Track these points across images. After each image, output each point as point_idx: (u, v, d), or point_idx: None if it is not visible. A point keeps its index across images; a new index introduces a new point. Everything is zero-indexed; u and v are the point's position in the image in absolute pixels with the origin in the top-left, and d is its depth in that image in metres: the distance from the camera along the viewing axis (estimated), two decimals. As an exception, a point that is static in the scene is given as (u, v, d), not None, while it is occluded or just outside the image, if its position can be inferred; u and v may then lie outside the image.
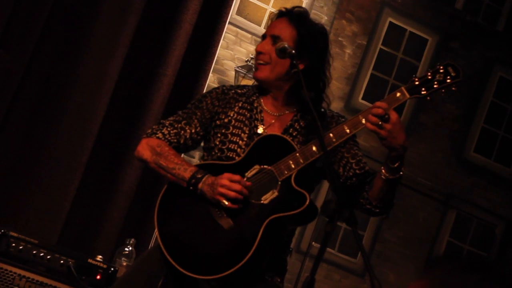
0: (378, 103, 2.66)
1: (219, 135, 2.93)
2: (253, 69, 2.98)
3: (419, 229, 11.44)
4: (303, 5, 10.41)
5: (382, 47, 11.32)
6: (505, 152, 11.82)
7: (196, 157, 8.67)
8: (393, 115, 2.62)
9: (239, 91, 3.03)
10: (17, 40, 4.31)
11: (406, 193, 11.00)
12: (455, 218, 11.65)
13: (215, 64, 4.94)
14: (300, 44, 2.88)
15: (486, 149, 11.75)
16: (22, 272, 3.28)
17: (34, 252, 3.35)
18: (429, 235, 11.49)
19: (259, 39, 3.16)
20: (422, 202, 11.46)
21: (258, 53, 2.94)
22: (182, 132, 2.96)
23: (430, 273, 1.26)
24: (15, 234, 3.34)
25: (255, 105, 2.96)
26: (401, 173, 2.73)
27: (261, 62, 2.93)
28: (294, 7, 2.98)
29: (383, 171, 2.72)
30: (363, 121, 2.72)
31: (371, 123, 2.62)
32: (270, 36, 2.94)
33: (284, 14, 2.97)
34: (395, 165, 2.69)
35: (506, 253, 11.64)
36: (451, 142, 11.60)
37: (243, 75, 8.68)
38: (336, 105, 10.47)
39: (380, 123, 2.60)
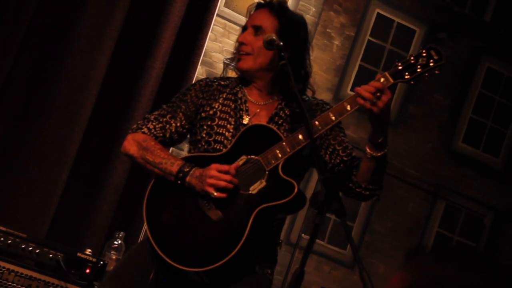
0: (371, 83, 2.69)
1: (205, 127, 2.92)
2: (235, 60, 3.00)
3: (408, 220, 11.49)
4: (291, -3, 10.39)
5: (370, 38, 11.34)
6: (493, 143, 11.87)
7: (185, 149, 8.67)
8: (388, 93, 2.65)
9: (223, 82, 3.04)
10: (3, 33, 4.29)
11: (395, 184, 11.04)
12: (444, 209, 11.70)
13: (203, 56, 4.93)
14: (282, 34, 2.88)
15: (474, 140, 11.80)
16: (11, 267, 3.27)
17: (23, 246, 3.34)
18: (418, 225, 11.53)
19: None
20: (411, 193, 11.50)
21: (240, 43, 2.95)
22: (168, 126, 2.96)
23: (408, 265, 1.26)
24: (3, 228, 3.33)
25: (239, 95, 2.97)
26: (385, 150, 2.76)
27: (244, 52, 2.94)
28: (272, 2, 2.99)
29: (368, 150, 2.75)
30: (348, 107, 2.74)
31: (364, 99, 2.64)
32: (251, 26, 2.95)
33: (264, 5, 2.98)
34: (379, 140, 2.72)
35: (495, 244, 11.70)
36: (439, 132, 11.64)
37: (232, 67, 8.67)
38: (325, 96, 10.47)
39: (374, 100, 2.63)
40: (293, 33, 2.91)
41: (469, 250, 1.27)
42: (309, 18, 10.58)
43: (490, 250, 11.54)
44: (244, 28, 2.99)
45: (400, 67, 2.73)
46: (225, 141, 2.87)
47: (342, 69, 11.12)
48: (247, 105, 2.95)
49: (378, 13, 11.30)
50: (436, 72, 2.73)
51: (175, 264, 2.69)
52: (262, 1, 3.00)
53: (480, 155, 11.78)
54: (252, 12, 3.00)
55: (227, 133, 2.89)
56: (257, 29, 2.92)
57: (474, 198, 11.71)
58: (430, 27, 11.48)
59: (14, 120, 4.38)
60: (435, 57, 2.72)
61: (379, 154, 2.75)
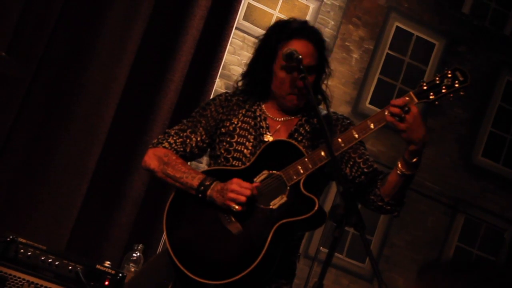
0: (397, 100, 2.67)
1: (224, 143, 2.93)
2: (288, 94, 2.91)
3: (428, 234, 11.41)
4: (310, 10, 10.41)
5: (389, 51, 11.31)
6: (513, 156, 11.78)
7: (204, 162, 8.68)
8: (414, 109, 2.63)
9: (242, 98, 3.04)
10: (25, 47, 4.33)
11: (414, 198, 10.98)
12: (464, 223, 11.62)
13: (222, 69, 4.95)
14: (319, 63, 2.91)
15: (494, 153, 11.72)
16: (31, 279, 3.29)
17: (43, 258, 3.35)
18: (437, 239, 11.45)
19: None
20: (430, 206, 11.43)
21: (300, 87, 2.87)
22: (188, 140, 2.97)
23: (421, 279, 1.26)
24: (23, 241, 3.35)
25: (258, 113, 2.97)
26: (417, 170, 2.74)
27: (300, 93, 2.88)
28: (311, 29, 2.94)
29: (399, 166, 2.73)
30: (372, 125, 2.72)
31: (392, 114, 2.62)
32: (308, 67, 2.85)
33: (309, 38, 2.91)
34: (414, 160, 2.71)
35: (515, 257, 11.60)
36: (459, 146, 11.58)
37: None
38: (343, 110, 10.46)
39: (402, 115, 2.61)
40: (325, 59, 2.95)
41: (479, 263, 1.27)
42: (328, 31, 10.59)
43: (511, 264, 11.41)
44: (301, 70, 2.82)
45: (425, 87, 2.72)
46: (244, 158, 2.88)
47: (361, 82, 11.10)
48: (267, 122, 2.95)
49: (397, 26, 11.27)
50: (461, 93, 2.71)
51: (194, 277, 2.69)
52: (301, 27, 2.92)
53: (500, 169, 11.69)
54: (293, 40, 2.88)
55: (245, 150, 2.89)
56: (312, 69, 2.89)
57: (494, 212, 11.62)
58: (449, 40, 11.44)
59: (34, 133, 4.41)
60: (461, 79, 2.71)
61: (409, 172, 2.74)
